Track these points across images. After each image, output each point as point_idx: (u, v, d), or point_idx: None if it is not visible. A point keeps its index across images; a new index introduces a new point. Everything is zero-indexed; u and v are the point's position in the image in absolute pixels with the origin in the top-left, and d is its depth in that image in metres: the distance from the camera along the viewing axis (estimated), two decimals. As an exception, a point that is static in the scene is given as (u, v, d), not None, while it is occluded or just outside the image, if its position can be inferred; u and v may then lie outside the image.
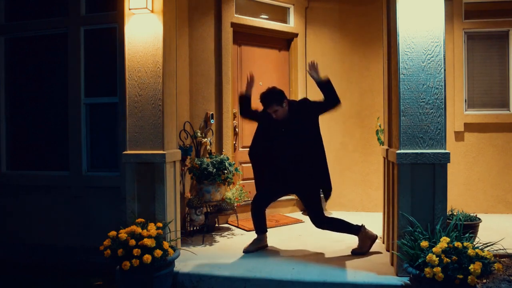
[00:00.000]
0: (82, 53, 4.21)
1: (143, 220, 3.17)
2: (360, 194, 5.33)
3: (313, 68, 3.47)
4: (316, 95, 5.35)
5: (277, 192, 3.73)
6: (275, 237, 4.08)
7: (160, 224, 3.14)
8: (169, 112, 3.51)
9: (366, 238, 3.60)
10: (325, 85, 3.48)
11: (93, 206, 4.10)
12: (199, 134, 4.43)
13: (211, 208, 4.22)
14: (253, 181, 3.81)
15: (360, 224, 3.62)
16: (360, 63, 5.30)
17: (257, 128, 3.73)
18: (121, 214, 3.57)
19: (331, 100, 3.50)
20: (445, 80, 3.03)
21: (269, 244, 3.87)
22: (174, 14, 3.61)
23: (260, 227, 3.74)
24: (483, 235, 3.42)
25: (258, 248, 3.69)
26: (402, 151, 3.02)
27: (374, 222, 4.55)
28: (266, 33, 5.14)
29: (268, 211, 5.09)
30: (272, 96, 3.47)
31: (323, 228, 3.60)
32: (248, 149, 3.82)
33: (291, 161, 3.51)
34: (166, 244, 3.02)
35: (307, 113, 3.53)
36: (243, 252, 3.63)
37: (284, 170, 3.56)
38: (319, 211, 3.57)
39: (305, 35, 5.39)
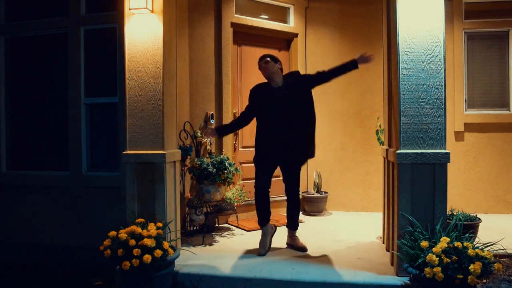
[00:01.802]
0: (82, 53, 4.21)
1: (143, 220, 3.17)
2: (360, 194, 5.33)
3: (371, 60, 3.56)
4: (315, 95, 5.35)
5: (272, 165, 3.69)
6: (275, 237, 4.07)
7: (160, 224, 3.14)
8: (169, 112, 3.51)
9: (293, 240, 3.78)
10: (350, 68, 3.56)
11: (93, 206, 4.11)
12: (199, 134, 4.43)
13: (211, 208, 4.22)
14: (253, 181, 3.80)
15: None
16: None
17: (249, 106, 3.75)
18: (121, 214, 3.57)
19: (329, 78, 3.62)
20: (445, 80, 3.03)
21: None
22: (174, 14, 3.61)
23: (266, 217, 3.70)
24: (483, 235, 3.42)
25: (270, 242, 3.71)
26: (402, 151, 3.02)
27: (374, 222, 4.56)
28: (266, 33, 5.14)
29: (268, 211, 5.11)
30: (271, 55, 3.69)
31: (294, 200, 3.76)
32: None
33: (286, 128, 3.54)
34: (166, 244, 3.02)
35: (300, 82, 3.64)
36: (258, 254, 3.60)
37: (279, 139, 3.56)
38: (299, 183, 3.80)
39: (305, 35, 5.39)
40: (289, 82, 3.62)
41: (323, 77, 3.60)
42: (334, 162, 5.36)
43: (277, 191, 4.99)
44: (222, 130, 3.90)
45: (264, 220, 3.69)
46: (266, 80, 3.69)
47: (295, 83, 3.61)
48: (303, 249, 3.68)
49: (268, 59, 3.63)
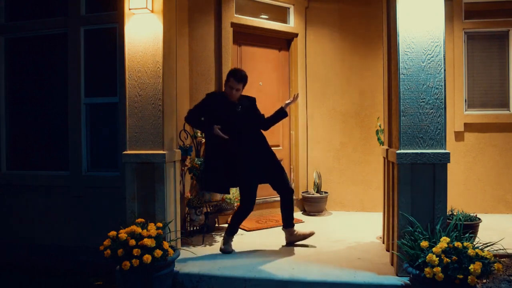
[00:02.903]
0: (82, 53, 4.22)
1: (143, 220, 3.17)
2: (360, 194, 5.33)
3: (294, 101, 3.82)
4: (315, 95, 5.36)
5: (257, 182, 3.73)
6: (275, 237, 4.08)
7: (160, 224, 3.14)
8: (169, 112, 3.51)
9: (294, 235, 3.84)
10: (282, 116, 3.79)
11: (93, 206, 4.11)
12: (199, 134, 4.43)
13: (211, 208, 4.22)
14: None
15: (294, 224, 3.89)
16: (360, 63, 5.30)
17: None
18: (121, 214, 3.57)
19: (267, 126, 3.82)
20: (445, 80, 3.03)
21: (269, 244, 3.88)
22: (174, 14, 3.61)
23: (236, 229, 3.79)
24: (483, 235, 3.42)
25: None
26: (402, 151, 3.02)
27: (374, 222, 4.57)
28: (266, 33, 5.14)
29: (268, 211, 5.13)
30: (246, 78, 3.66)
31: (290, 201, 3.81)
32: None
33: (253, 141, 3.64)
34: (166, 244, 3.02)
35: (253, 107, 3.76)
36: (224, 252, 3.65)
37: (251, 154, 3.61)
38: (287, 181, 3.82)
39: (305, 35, 5.39)
40: (245, 103, 3.69)
41: (262, 122, 3.79)
42: (334, 162, 5.36)
43: (277, 191, 5.00)
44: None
45: (235, 232, 3.76)
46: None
47: (250, 107, 3.71)
48: (310, 234, 3.78)
49: (241, 87, 3.60)
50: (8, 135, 4.48)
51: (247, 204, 3.65)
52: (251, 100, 3.77)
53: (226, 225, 4.65)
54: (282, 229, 3.85)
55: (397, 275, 3.03)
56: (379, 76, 4.45)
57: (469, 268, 2.53)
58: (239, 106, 3.65)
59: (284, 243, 3.87)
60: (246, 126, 3.64)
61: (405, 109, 3.04)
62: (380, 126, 4.44)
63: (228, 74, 3.64)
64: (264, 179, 3.74)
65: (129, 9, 3.33)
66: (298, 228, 3.92)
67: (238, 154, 3.58)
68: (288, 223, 3.81)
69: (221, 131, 3.52)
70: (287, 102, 3.80)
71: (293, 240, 3.80)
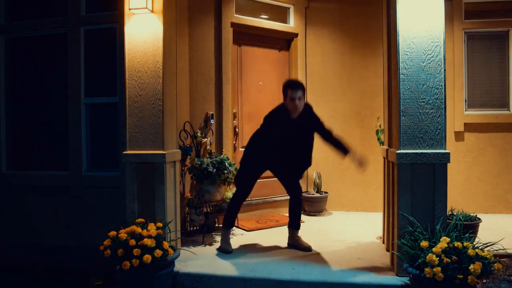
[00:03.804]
0: (82, 53, 4.21)
1: (143, 220, 3.18)
2: (360, 194, 5.33)
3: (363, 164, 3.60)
4: (315, 95, 5.36)
5: (260, 173, 3.78)
6: (275, 237, 4.08)
7: (160, 224, 3.14)
8: (169, 112, 3.51)
9: (296, 239, 3.82)
10: (342, 151, 3.67)
11: (93, 206, 4.11)
12: (199, 134, 4.43)
13: (211, 208, 4.22)
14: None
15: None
16: (360, 63, 5.30)
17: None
18: (121, 214, 3.57)
19: (327, 143, 3.74)
20: (445, 80, 3.03)
21: (269, 244, 3.88)
22: (174, 14, 3.61)
23: (234, 220, 3.85)
24: (483, 235, 3.42)
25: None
26: (402, 151, 3.02)
27: (374, 222, 4.57)
28: (266, 33, 5.14)
29: (268, 211, 5.13)
30: (303, 84, 3.60)
31: (298, 200, 3.83)
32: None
33: (294, 151, 3.64)
34: (166, 244, 3.02)
35: (312, 120, 3.67)
36: (224, 252, 3.65)
37: (284, 157, 3.66)
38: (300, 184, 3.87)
39: (305, 35, 5.39)
40: (304, 113, 3.58)
41: (323, 135, 3.71)
42: (334, 162, 5.36)
43: (277, 191, 5.00)
44: None
45: (233, 223, 3.82)
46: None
47: (309, 117, 3.63)
48: (308, 248, 3.69)
49: (302, 94, 3.47)
50: (8, 135, 4.48)
51: (244, 190, 3.71)
52: (308, 108, 3.63)
53: (226, 225, 4.66)
54: (289, 227, 3.85)
55: (397, 275, 3.03)
56: (379, 76, 4.45)
57: (469, 268, 2.53)
58: (300, 121, 3.55)
59: (285, 244, 3.86)
60: (303, 139, 3.64)
61: (405, 109, 3.04)
62: (380, 126, 4.44)
63: (284, 87, 3.53)
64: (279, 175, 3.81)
65: (129, 9, 3.33)
66: (301, 229, 3.89)
67: (277, 151, 3.63)
68: (293, 224, 3.81)
69: (280, 141, 3.58)
70: (359, 160, 3.56)
71: (294, 243, 3.78)
